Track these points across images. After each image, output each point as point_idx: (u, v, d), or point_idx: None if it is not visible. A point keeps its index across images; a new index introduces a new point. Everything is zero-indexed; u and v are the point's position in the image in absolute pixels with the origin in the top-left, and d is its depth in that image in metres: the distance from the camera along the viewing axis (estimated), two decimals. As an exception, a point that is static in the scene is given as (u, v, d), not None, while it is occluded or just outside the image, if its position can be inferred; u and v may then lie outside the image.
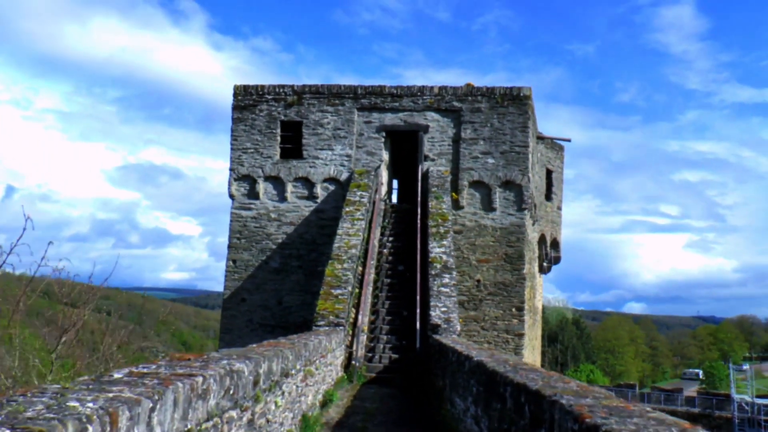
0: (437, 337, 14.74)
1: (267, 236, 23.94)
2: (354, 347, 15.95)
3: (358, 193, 21.60)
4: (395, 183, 29.69)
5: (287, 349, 7.54)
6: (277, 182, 24.13)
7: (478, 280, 22.19)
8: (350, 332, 16.46)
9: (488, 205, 22.81)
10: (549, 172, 28.70)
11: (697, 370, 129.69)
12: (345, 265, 17.80)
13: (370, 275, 18.96)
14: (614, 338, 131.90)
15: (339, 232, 19.52)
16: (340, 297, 16.52)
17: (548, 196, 28.75)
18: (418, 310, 16.15)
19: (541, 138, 27.08)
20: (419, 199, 21.18)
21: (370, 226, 20.30)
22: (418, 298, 16.54)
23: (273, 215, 24.02)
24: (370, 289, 18.59)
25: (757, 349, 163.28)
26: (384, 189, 23.88)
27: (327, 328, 15.60)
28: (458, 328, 15.62)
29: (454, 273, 17.60)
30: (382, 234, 21.52)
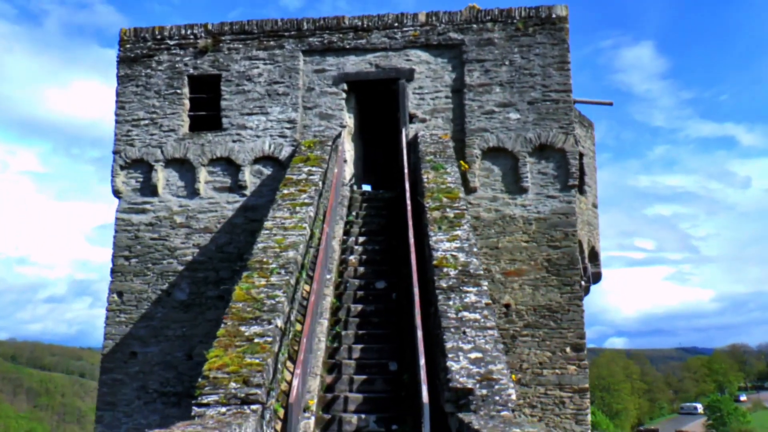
0: (473, 423, 6.21)
1: (170, 252, 15.27)
2: (286, 449, 7.27)
3: (305, 170, 13.13)
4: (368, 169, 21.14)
5: None
6: (184, 168, 15.59)
7: (507, 305, 13.68)
8: (279, 413, 7.81)
9: (514, 184, 14.44)
10: (579, 156, 20.43)
11: (695, 404, 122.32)
12: (273, 279, 9.22)
13: (324, 299, 10.39)
14: (609, 375, 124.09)
15: (267, 225, 10.99)
16: (257, 341, 7.92)
17: (580, 189, 20.42)
18: (421, 361, 7.48)
19: (569, 104, 18.89)
20: (406, 171, 12.71)
21: (325, 219, 11.75)
22: (419, 335, 7.88)
23: (179, 218, 15.40)
24: (325, 323, 9.97)
25: (751, 377, 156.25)
26: (349, 170, 15.43)
27: (223, 409, 6.99)
28: (513, 394, 7.07)
29: (485, 283, 9.10)
30: (346, 233, 13.00)
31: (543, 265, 13.90)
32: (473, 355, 7.63)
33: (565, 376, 13.24)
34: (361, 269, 11.69)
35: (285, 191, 12.13)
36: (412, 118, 15.01)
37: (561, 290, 13.74)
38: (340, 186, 13.70)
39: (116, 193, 15.73)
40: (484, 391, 7.10)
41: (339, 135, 14.88)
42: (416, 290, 8.64)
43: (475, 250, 9.88)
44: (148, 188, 15.59)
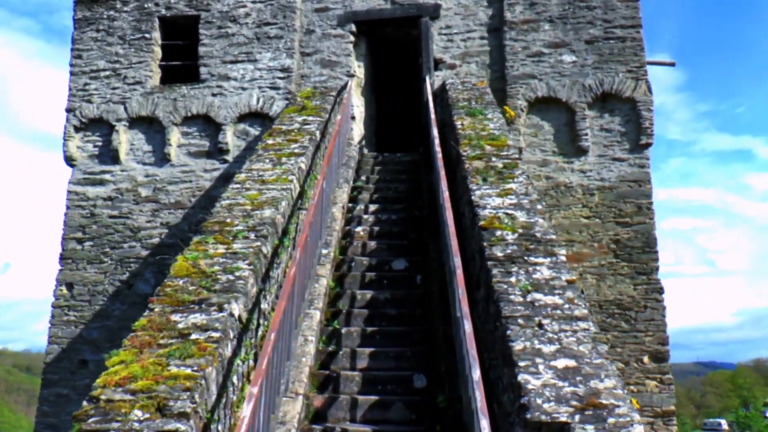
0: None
1: (133, 233, 12.15)
2: None
3: (299, 119, 9.97)
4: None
5: None
6: (152, 128, 12.50)
7: (564, 299, 10.40)
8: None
9: (570, 144, 11.20)
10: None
11: (719, 420, 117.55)
12: (237, 246, 6.04)
13: (318, 281, 7.19)
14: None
15: (239, 178, 7.82)
16: (195, 338, 4.72)
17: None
18: (475, 374, 4.25)
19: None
20: (432, 117, 9.49)
21: (319, 178, 8.55)
22: (467, 328, 4.65)
23: (145, 191, 12.28)
24: (317, 314, 6.74)
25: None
26: (358, 129, 12.24)
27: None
28: (643, 437, 3.82)
29: (562, 252, 5.89)
30: (353, 200, 9.80)
31: (610, 248, 10.62)
32: (561, 363, 4.40)
33: (644, 395, 9.92)
34: (372, 244, 8.47)
35: (269, 141, 8.97)
36: (438, 64, 11.84)
37: (634, 280, 10.44)
38: (345, 142, 10.51)
39: (69, 160, 12.65)
40: (590, 428, 3.87)
41: (345, 86, 11.73)
42: (458, 260, 5.40)
43: (539, 207, 6.66)
44: (108, 154, 12.51)
